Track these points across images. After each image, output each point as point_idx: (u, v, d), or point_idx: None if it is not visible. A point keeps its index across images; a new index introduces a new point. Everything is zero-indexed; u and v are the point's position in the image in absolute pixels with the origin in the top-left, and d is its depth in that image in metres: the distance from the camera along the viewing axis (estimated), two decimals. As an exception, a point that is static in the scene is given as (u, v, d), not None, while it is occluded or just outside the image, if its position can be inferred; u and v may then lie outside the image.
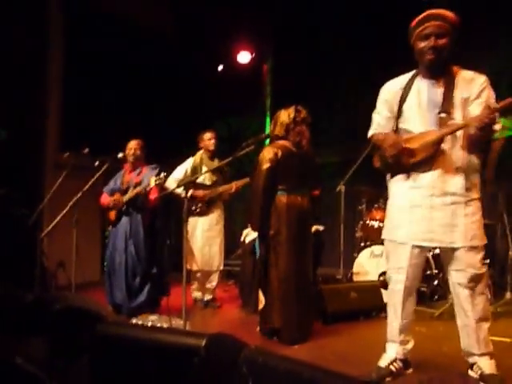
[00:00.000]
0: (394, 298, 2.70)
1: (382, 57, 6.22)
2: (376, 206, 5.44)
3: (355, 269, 5.08)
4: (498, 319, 3.87)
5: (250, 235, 4.80)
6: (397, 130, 2.61)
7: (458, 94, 2.43)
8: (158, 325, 3.22)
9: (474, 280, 2.48)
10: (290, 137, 3.56)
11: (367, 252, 5.06)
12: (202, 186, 4.89)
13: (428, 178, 2.47)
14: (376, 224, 5.29)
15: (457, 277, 2.53)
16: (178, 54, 7.36)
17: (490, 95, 2.44)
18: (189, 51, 7.31)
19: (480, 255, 2.51)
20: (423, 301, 4.62)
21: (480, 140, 2.39)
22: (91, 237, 6.09)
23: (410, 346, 2.78)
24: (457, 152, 2.45)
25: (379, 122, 2.70)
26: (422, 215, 2.50)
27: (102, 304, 3.93)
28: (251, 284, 4.51)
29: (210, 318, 4.63)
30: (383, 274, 4.73)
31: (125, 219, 4.44)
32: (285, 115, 3.59)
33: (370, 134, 2.76)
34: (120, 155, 4.45)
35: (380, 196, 5.36)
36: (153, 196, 4.38)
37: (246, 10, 6.67)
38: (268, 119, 7.86)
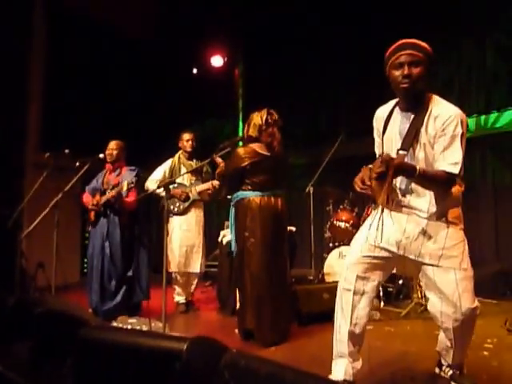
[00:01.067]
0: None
1: (348, 64, 6.40)
2: (342, 207, 5.53)
3: (326, 269, 5.17)
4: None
5: (227, 236, 4.83)
6: None
7: (424, 132, 2.34)
8: (138, 327, 3.25)
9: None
10: (263, 138, 3.64)
11: (336, 253, 5.15)
12: (181, 186, 4.93)
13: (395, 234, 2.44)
14: (343, 225, 5.37)
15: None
16: (155, 56, 7.41)
17: (456, 133, 2.28)
18: (165, 54, 7.37)
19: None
20: (390, 300, 4.77)
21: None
22: (71, 238, 6.10)
23: (359, 364, 2.57)
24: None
25: (376, 146, 2.65)
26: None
27: (83, 307, 3.96)
28: (228, 285, 4.58)
29: (188, 320, 4.67)
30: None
31: (103, 221, 4.47)
32: (257, 117, 3.67)
33: (377, 153, 2.65)
34: (101, 156, 4.48)
35: (345, 197, 5.50)
36: (130, 199, 4.41)
37: (219, 14, 6.75)
38: (241, 122, 7.99)
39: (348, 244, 4.98)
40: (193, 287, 5.01)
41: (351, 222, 5.34)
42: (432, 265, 2.37)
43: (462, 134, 2.29)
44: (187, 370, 1.28)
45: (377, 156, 2.60)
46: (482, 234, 5.77)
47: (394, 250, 2.44)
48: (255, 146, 3.64)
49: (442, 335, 2.56)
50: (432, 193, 2.37)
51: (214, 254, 5.98)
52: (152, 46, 7.32)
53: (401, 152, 2.35)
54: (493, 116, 5.90)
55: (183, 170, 4.91)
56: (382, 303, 4.68)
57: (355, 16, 6.24)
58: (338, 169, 5.91)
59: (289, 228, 4.75)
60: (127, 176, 4.46)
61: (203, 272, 5.18)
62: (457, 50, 6.08)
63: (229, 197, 3.90)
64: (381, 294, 4.71)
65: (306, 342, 3.57)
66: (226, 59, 7.70)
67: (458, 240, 2.41)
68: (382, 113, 2.56)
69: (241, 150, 3.62)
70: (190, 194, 4.91)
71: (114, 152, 4.59)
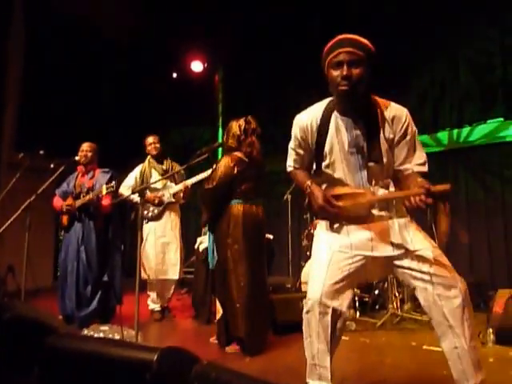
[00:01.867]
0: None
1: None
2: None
3: (303, 278, 5.14)
4: (434, 329, 4.06)
5: (204, 243, 4.78)
6: (320, 174, 2.31)
7: (383, 137, 2.17)
8: (110, 336, 3.18)
9: None
10: (242, 148, 3.63)
11: None
12: (154, 190, 4.87)
13: (361, 236, 2.24)
14: (316, 232, 5.37)
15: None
16: (134, 60, 7.38)
17: (413, 131, 2.21)
18: (144, 58, 7.33)
19: None
20: (365, 311, 4.78)
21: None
22: (44, 241, 5.98)
23: None
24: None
25: (295, 159, 2.41)
26: None
27: (52, 314, 3.86)
28: (204, 293, 4.54)
29: (162, 328, 4.60)
30: (330, 284, 4.85)
31: (77, 225, 4.40)
32: (236, 127, 3.67)
33: (288, 169, 2.47)
34: (76, 158, 4.42)
35: None
36: (105, 202, 4.36)
37: (199, 19, 6.74)
38: (220, 128, 7.99)
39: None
40: (170, 293, 4.92)
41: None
42: (406, 250, 2.16)
43: (416, 132, 2.24)
44: (157, 381, 1.26)
45: (289, 168, 2.43)
46: (455, 247, 5.85)
47: (368, 252, 2.22)
48: (239, 154, 3.64)
49: (450, 355, 2.14)
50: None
51: (190, 260, 5.92)
52: (131, 49, 7.27)
53: (370, 164, 2.18)
54: (465, 130, 6.03)
55: (154, 173, 4.88)
56: (358, 313, 4.68)
57: (334, 23, 6.29)
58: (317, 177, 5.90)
59: (266, 236, 4.74)
60: (101, 178, 4.43)
61: (181, 278, 5.12)
62: (431, 65, 6.23)
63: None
64: (357, 304, 4.72)
65: (282, 352, 3.54)
66: (205, 65, 7.69)
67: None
68: (307, 121, 2.27)
69: (227, 159, 3.60)
70: (164, 198, 4.86)
71: (89, 154, 4.53)
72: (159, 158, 4.98)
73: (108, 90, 7.16)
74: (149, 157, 5.03)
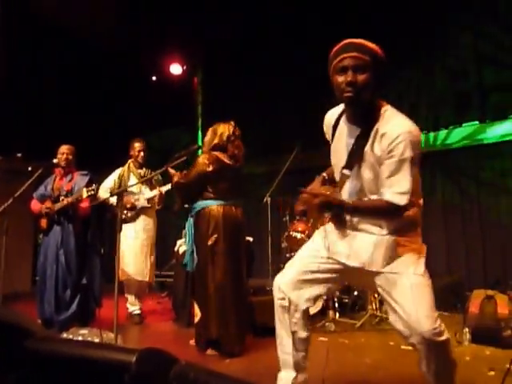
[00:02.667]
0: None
1: (308, 73, 6.51)
2: (298, 218, 5.54)
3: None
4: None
5: (183, 246, 4.78)
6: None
7: (370, 150, 2.04)
8: (89, 339, 3.16)
9: None
10: (230, 148, 3.65)
11: None
12: (129, 194, 4.88)
13: (341, 242, 2.23)
14: (299, 235, 5.38)
15: None
16: (113, 62, 7.33)
17: (405, 155, 1.96)
18: (122, 60, 7.29)
19: None
20: (345, 312, 4.82)
21: None
22: (22, 245, 5.89)
23: (304, 377, 2.37)
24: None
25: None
26: None
27: (31, 317, 3.81)
28: (184, 296, 4.53)
29: (142, 331, 4.59)
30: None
31: (56, 228, 4.35)
32: (225, 127, 3.69)
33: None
34: (55, 161, 4.38)
35: None
36: (84, 205, 4.33)
37: (178, 22, 6.74)
38: (199, 131, 7.98)
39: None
40: (144, 295, 4.98)
41: (307, 232, 5.37)
42: (383, 272, 2.09)
43: (412, 159, 1.96)
44: (136, 382, 1.26)
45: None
46: (432, 249, 5.94)
47: (343, 259, 2.19)
48: (218, 154, 3.64)
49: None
50: None
51: (170, 263, 5.90)
52: (110, 52, 7.22)
53: (344, 171, 2.12)
54: (442, 133, 6.14)
55: (132, 177, 4.91)
56: (338, 314, 4.72)
57: (315, 28, 6.36)
58: (296, 179, 5.96)
59: (246, 238, 4.76)
60: (80, 181, 4.40)
61: (152, 281, 5.13)
62: (407, 70, 6.35)
63: (186, 206, 3.87)
64: (336, 305, 4.76)
65: (261, 353, 3.55)
66: (184, 67, 7.66)
67: (408, 261, 2.10)
68: (330, 118, 2.29)
69: (204, 157, 3.61)
70: (137, 203, 4.88)
71: (70, 157, 4.49)
72: (141, 165, 5.04)
73: (86, 93, 7.09)
74: (130, 161, 5.04)
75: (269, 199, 5.49)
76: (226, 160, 3.64)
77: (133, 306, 4.85)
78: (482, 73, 5.84)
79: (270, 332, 3.98)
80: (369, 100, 2.04)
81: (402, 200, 1.99)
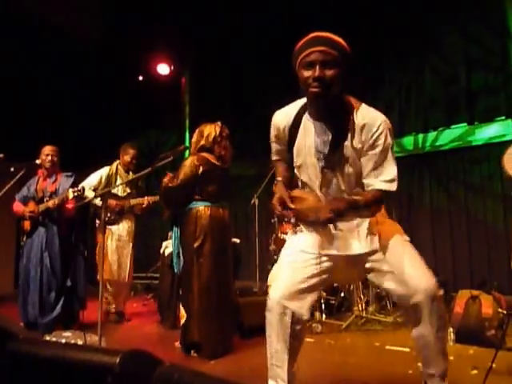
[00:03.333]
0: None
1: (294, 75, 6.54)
2: (286, 219, 5.53)
3: (269, 281, 5.14)
4: (397, 329, 4.18)
5: (169, 247, 4.70)
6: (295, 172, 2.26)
7: (349, 145, 2.03)
8: (73, 341, 3.12)
9: None
10: (216, 149, 3.63)
11: None
12: (115, 197, 4.88)
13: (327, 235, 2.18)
14: (286, 237, 5.42)
15: None
16: (98, 62, 7.28)
17: (387, 143, 2.00)
18: (108, 61, 7.24)
19: None
20: (331, 313, 4.83)
21: None
22: (4, 247, 5.81)
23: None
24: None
25: (275, 152, 2.34)
26: None
27: (13, 320, 3.76)
28: (169, 298, 4.50)
29: (127, 333, 4.54)
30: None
31: (40, 230, 4.31)
32: (211, 128, 3.67)
33: (273, 158, 2.39)
34: (37, 161, 4.33)
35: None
36: (69, 206, 4.28)
37: (166, 22, 6.71)
38: (187, 132, 7.95)
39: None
40: (124, 297, 4.98)
41: (296, 234, 5.38)
42: (373, 251, 2.10)
43: (392, 145, 2.03)
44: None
45: (272, 157, 2.36)
46: (419, 249, 5.97)
47: (333, 252, 2.16)
48: (206, 155, 3.62)
49: (417, 341, 2.15)
50: None
51: (156, 265, 5.87)
52: (96, 51, 7.16)
53: (326, 171, 2.08)
54: (431, 135, 6.19)
55: (119, 180, 4.91)
56: (324, 316, 4.72)
57: (303, 28, 6.35)
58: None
59: (233, 240, 4.74)
60: (64, 182, 4.37)
61: (131, 283, 5.19)
62: (396, 72, 6.43)
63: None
64: (323, 306, 4.76)
65: (248, 355, 3.54)
66: (172, 68, 7.62)
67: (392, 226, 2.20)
68: (282, 121, 2.19)
69: (193, 158, 3.58)
70: (125, 207, 4.90)
71: (54, 158, 4.45)
72: (129, 169, 5.04)
73: (71, 93, 7.02)
74: (118, 163, 5.03)
75: (256, 201, 5.48)
76: (214, 161, 3.63)
77: (109, 304, 4.87)
78: (470, 76, 5.90)
79: (256, 333, 4.01)
80: (337, 95, 2.00)
81: (393, 186, 2.03)
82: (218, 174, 3.63)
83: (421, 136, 6.27)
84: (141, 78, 7.75)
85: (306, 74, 1.96)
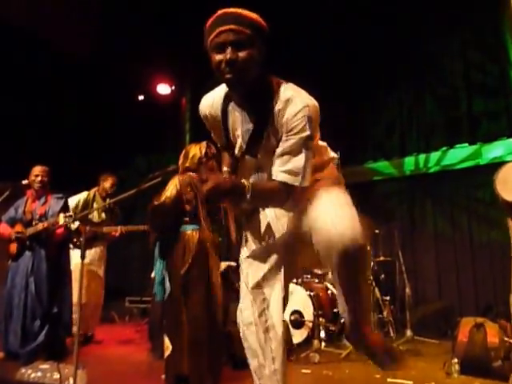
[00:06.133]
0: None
1: None
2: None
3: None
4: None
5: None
6: None
7: (271, 132, 1.83)
8: (48, 375, 2.93)
9: None
10: (202, 171, 3.50)
11: None
12: (89, 223, 4.89)
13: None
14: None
15: None
16: (97, 82, 7.21)
17: (300, 133, 1.75)
18: (108, 80, 7.18)
19: None
20: (331, 340, 4.64)
21: None
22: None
23: None
24: None
25: (215, 138, 2.17)
26: None
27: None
28: (161, 324, 4.31)
29: (113, 362, 4.32)
30: (294, 312, 4.70)
31: (27, 254, 4.16)
32: (196, 149, 3.57)
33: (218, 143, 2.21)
34: (25, 182, 4.20)
35: None
36: (59, 230, 4.16)
37: (166, 42, 6.65)
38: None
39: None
40: (94, 320, 5.00)
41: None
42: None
43: (310, 137, 1.76)
44: None
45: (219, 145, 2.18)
46: (424, 275, 5.87)
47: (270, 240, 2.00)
48: (193, 175, 3.49)
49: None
50: None
51: (149, 290, 5.70)
52: (95, 70, 7.10)
53: (247, 157, 1.90)
54: (433, 156, 6.08)
55: (95, 206, 4.96)
56: (323, 344, 4.52)
57: (301, 46, 6.33)
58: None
59: (228, 263, 4.58)
60: (54, 205, 4.25)
61: (138, 308, 5.35)
62: (399, 96, 6.48)
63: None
64: (321, 334, 4.57)
65: (239, 388, 3.34)
66: (173, 88, 7.54)
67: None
68: (210, 103, 1.98)
69: (180, 178, 3.45)
70: (99, 233, 4.94)
71: (44, 179, 4.33)
72: (106, 197, 5.12)
73: (69, 112, 6.95)
74: (95, 190, 5.14)
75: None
76: (200, 182, 3.48)
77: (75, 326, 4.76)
78: (472, 101, 5.91)
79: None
80: (255, 78, 1.77)
81: (296, 180, 1.76)
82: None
83: (422, 157, 6.22)
84: (141, 97, 7.65)
85: (218, 57, 1.74)
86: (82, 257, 2.84)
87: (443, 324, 5.24)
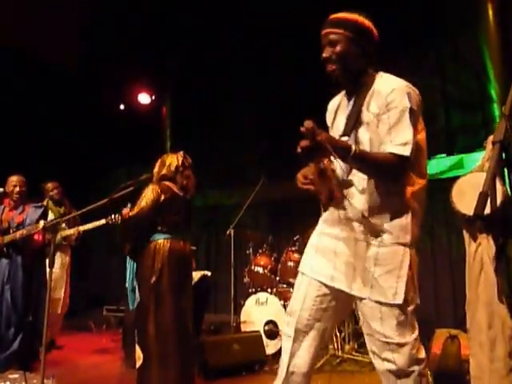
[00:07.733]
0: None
1: (275, 100, 6.47)
2: (260, 251, 5.43)
3: (243, 317, 4.95)
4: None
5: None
6: None
7: (367, 110, 1.94)
8: (17, 384, 2.90)
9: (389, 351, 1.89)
10: (178, 179, 3.51)
11: (253, 299, 4.92)
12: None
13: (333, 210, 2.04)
14: (261, 270, 5.26)
15: (367, 341, 2.01)
16: (77, 92, 7.22)
17: (402, 107, 1.86)
18: (88, 91, 7.18)
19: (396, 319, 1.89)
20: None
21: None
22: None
23: None
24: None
25: None
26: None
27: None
28: (133, 333, 4.29)
29: (84, 373, 4.28)
30: (269, 322, 4.70)
31: (3, 262, 4.16)
32: (173, 158, 3.57)
33: None
34: (0, 189, 4.20)
35: (264, 241, 5.43)
36: (38, 237, 4.15)
37: (146, 53, 6.69)
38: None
39: (265, 290, 4.88)
40: (58, 326, 5.01)
41: (269, 267, 5.26)
42: (361, 298, 1.92)
43: (411, 110, 1.86)
44: None
45: None
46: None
47: (328, 282, 1.98)
48: (168, 184, 3.49)
49: None
50: (370, 191, 1.91)
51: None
52: (74, 80, 7.12)
53: (343, 138, 1.97)
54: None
55: (50, 215, 4.88)
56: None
57: (281, 54, 6.37)
58: (260, 212, 5.85)
59: (203, 272, 4.58)
60: (32, 214, 4.25)
61: (115, 316, 5.32)
62: None
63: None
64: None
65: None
66: (153, 97, 7.57)
67: (393, 265, 1.92)
68: (333, 104, 2.21)
69: (154, 187, 3.43)
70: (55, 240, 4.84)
71: (23, 189, 4.35)
72: (59, 202, 5.19)
73: (48, 123, 6.95)
74: (48, 199, 5.15)
75: (232, 231, 5.32)
76: (176, 190, 3.50)
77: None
78: (449, 116, 5.94)
79: (222, 374, 3.80)
80: (357, 70, 2.00)
81: (406, 150, 1.82)
82: (180, 205, 3.48)
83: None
84: (122, 107, 7.66)
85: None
86: (51, 265, 2.81)
87: (420, 336, 5.22)
